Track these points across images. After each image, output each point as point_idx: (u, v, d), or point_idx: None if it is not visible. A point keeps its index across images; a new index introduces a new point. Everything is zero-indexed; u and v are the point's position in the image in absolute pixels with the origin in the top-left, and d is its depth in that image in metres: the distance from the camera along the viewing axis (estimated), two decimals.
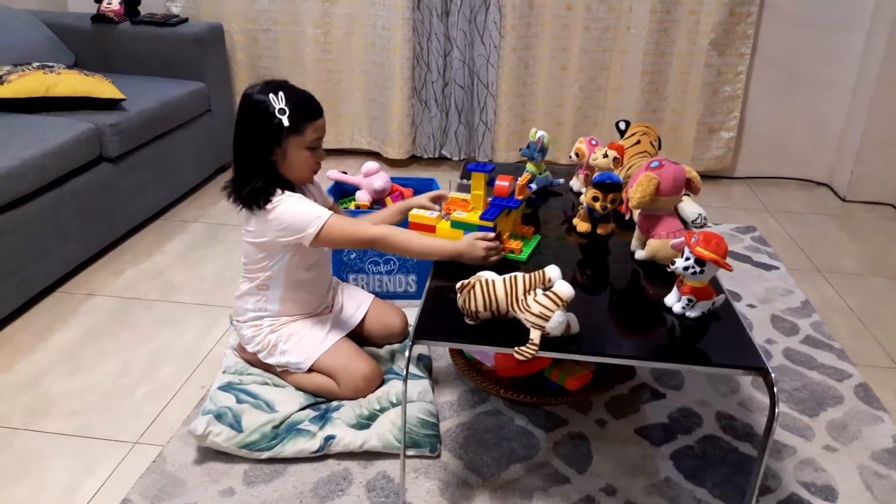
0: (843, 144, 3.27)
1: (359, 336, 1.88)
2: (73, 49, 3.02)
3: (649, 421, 1.75)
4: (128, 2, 3.07)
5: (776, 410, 1.22)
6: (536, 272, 1.36)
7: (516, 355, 1.30)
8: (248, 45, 3.37)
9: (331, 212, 1.62)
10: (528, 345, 1.29)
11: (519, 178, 1.75)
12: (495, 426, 1.71)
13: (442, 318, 1.41)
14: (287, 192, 1.62)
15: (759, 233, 2.84)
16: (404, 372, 1.29)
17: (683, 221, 1.87)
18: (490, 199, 1.72)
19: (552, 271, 1.35)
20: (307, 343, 1.73)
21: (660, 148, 2.14)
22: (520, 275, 1.37)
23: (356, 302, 1.93)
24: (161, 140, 2.74)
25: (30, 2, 3.23)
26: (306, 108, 1.62)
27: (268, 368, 1.78)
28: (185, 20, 3.14)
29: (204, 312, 2.16)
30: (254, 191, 1.60)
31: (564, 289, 1.31)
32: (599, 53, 3.23)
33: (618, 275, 1.64)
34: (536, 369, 1.79)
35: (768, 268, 2.55)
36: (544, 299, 1.31)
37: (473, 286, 1.37)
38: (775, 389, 1.23)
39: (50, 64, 2.55)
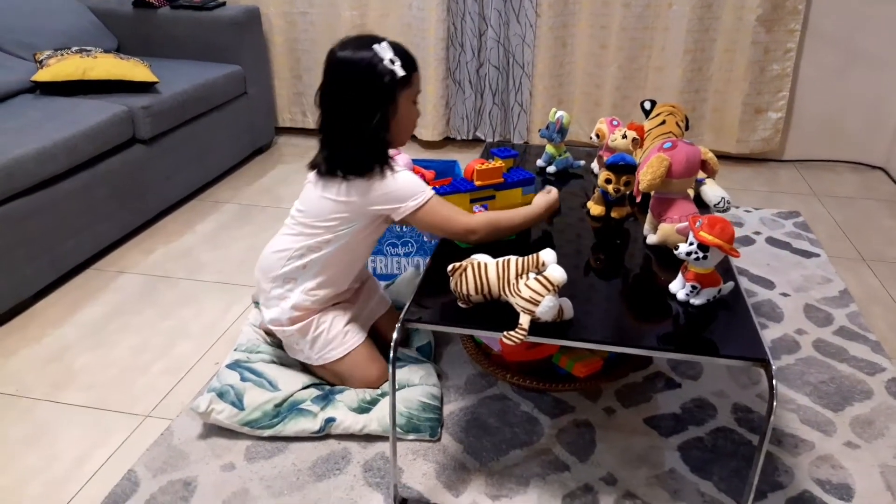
0: None
1: (374, 329, 1.83)
2: (115, 34, 3.11)
3: (660, 411, 1.69)
4: None
5: (773, 404, 1.16)
6: (530, 255, 1.32)
7: (504, 340, 1.27)
8: (286, 29, 3.40)
9: (434, 192, 1.53)
10: (516, 329, 1.26)
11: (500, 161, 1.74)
12: (500, 411, 1.69)
13: (435, 302, 1.39)
14: (388, 167, 1.51)
15: (802, 218, 2.71)
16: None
17: (705, 205, 1.79)
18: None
19: (546, 255, 1.31)
20: (321, 343, 1.67)
21: (687, 128, 2.05)
22: (513, 258, 1.34)
23: (377, 299, 1.86)
24: (196, 122, 2.79)
25: None
26: (409, 57, 1.51)
27: (279, 345, 1.80)
28: (223, 4, 3.18)
29: (226, 291, 2.20)
30: (364, 159, 1.49)
31: (556, 273, 1.27)
32: (640, 31, 3.12)
33: (627, 260, 1.59)
34: (545, 355, 1.76)
35: (808, 255, 2.43)
36: (535, 283, 1.27)
37: (465, 269, 1.34)
38: (774, 382, 1.17)
39: (87, 48, 2.63)
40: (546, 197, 1.61)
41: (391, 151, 1.60)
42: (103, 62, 2.53)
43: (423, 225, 1.56)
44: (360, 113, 1.47)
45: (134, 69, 2.56)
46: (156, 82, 2.59)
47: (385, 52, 1.45)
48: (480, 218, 1.54)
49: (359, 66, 1.44)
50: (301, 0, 3.34)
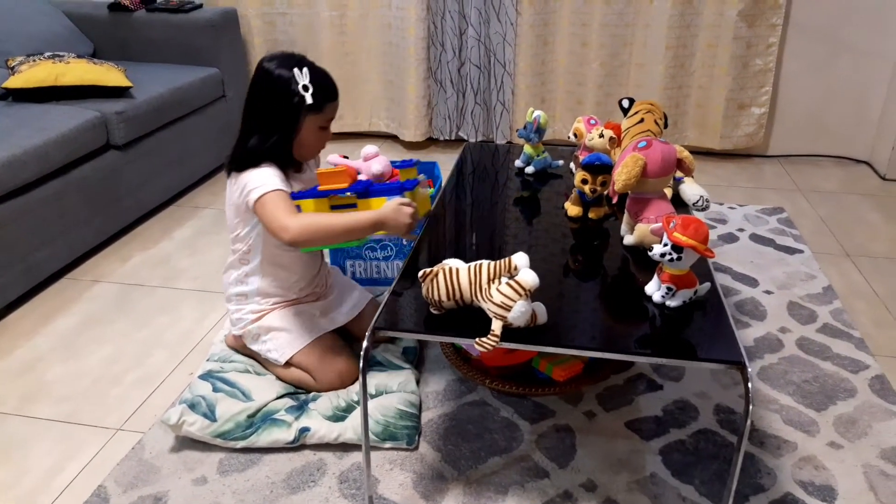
0: (884, 119, 3.07)
1: (349, 332, 1.84)
2: (91, 38, 3.07)
3: (642, 414, 1.67)
4: None
5: (749, 408, 1.14)
6: (502, 260, 1.29)
7: (477, 346, 1.24)
8: (265, 30, 3.36)
9: (283, 189, 1.52)
10: (489, 336, 1.24)
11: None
12: (479, 417, 1.66)
13: (407, 308, 1.37)
14: (268, 164, 1.55)
15: (786, 214, 2.69)
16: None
17: (685, 204, 1.77)
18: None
19: (519, 259, 1.28)
20: (285, 338, 1.70)
21: (666, 126, 2.03)
22: (485, 262, 1.31)
23: (351, 301, 1.86)
24: (172, 126, 2.76)
25: None
26: (328, 87, 1.58)
27: (252, 355, 1.77)
28: (200, 6, 3.14)
29: (203, 299, 2.16)
30: (250, 161, 1.55)
31: (528, 277, 1.24)
32: (621, 28, 3.10)
33: (603, 261, 1.57)
34: (524, 359, 1.73)
35: (791, 251, 2.41)
36: (506, 288, 1.25)
37: (436, 274, 1.31)
38: (750, 385, 1.15)
39: (60, 53, 2.59)
40: (394, 208, 1.50)
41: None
42: (76, 68, 2.49)
43: (260, 218, 1.55)
44: (264, 122, 1.56)
45: (107, 74, 2.52)
46: (130, 87, 2.55)
47: (301, 77, 1.53)
48: (298, 219, 1.49)
49: (275, 81, 1.53)
50: (280, 1, 3.30)
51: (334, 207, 1.56)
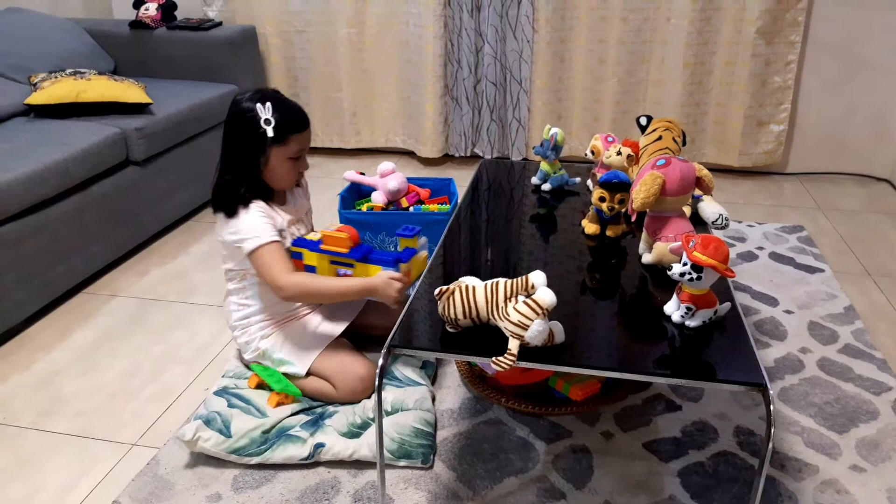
0: None
1: (359, 329, 1.85)
2: (112, 55, 3.11)
3: (660, 435, 1.65)
4: (164, 8, 3.14)
5: (771, 431, 1.12)
6: (520, 278, 1.28)
7: (493, 365, 1.23)
8: (283, 47, 3.39)
9: (277, 240, 1.61)
10: (505, 355, 1.22)
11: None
12: (494, 436, 1.64)
13: (422, 326, 1.36)
14: (256, 203, 1.63)
15: (806, 233, 2.66)
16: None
17: (703, 222, 1.76)
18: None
19: (536, 277, 1.27)
20: (300, 348, 1.71)
21: (684, 144, 2.01)
22: (502, 280, 1.30)
23: (350, 305, 1.87)
24: (191, 142, 2.78)
25: (76, 10, 3.34)
26: (292, 120, 1.63)
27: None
28: (220, 24, 3.18)
29: (219, 314, 2.17)
30: (233, 198, 1.62)
31: (545, 296, 1.23)
32: (638, 45, 3.09)
33: (621, 280, 1.55)
34: (540, 378, 1.72)
35: (812, 270, 2.38)
36: (524, 307, 1.24)
37: (453, 292, 1.30)
38: (772, 408, 1.13)
39: (82, 70, 2.63)
40: (385, 280, 1.58)
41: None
42: (97, 84, 2.52)
43: (254, 267, 1.63)
44: (234, 155, 1.64)
45: (128, 91, 2.55)
46: (150, 103, 2.58)
47: (263, 112, 1.59)
48: (293, 278, 1.59)
49: (241, 115, 1.60)
50: (298, 19, 3.33)
51: (333, 263, 1.69)
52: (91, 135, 2.32)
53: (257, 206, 1.63)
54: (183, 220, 2.83)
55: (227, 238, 1.64)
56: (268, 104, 1.59)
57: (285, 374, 1.72)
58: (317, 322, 1.78)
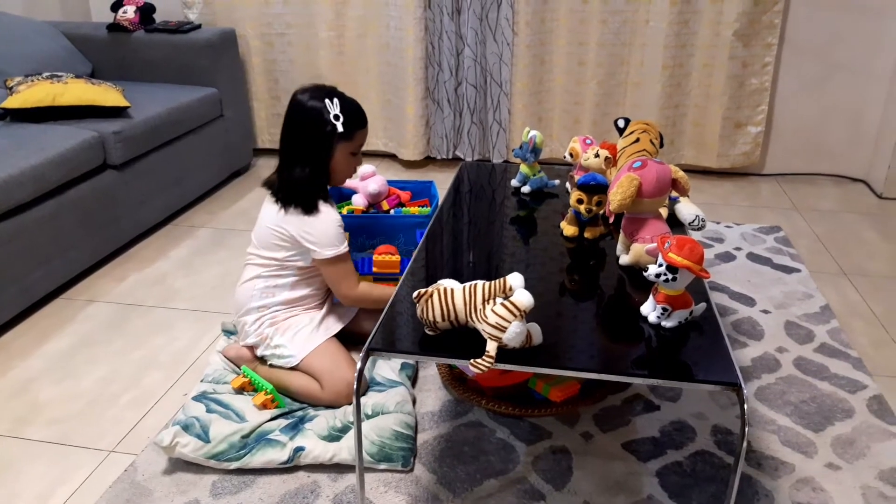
0: (881, 137, 3.08)
1: (353, 333, 1.87)
2: (90, 58, 3.08)
3: (639, 435, 1.66)
4: (143, 11, 3.12)
5: (745, 430, 1.13)
6: (498, 280, 1.29)
7: (471, 367, 1.23)
8: (263, 50, 3.38)
9: (348, 249, 1.72)
10: (484, 357, 1.23)
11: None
12: (475, 438, 1.65)
13: (401, 329, 1.36)
14: (330, 208, 1.70)
15: (783, 233, 2.69)
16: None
17: (680, 224, 1.77)
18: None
19: (514, 279, 1.28)
20: (301, 338, 1.74)
21: (662, 146, 2.03)
22: (480, 283, 1.30)
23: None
24: (170, 146, 2.76)
25: (53, 12, 3.31)
26: (357, 116, 1.71)
27: (255, 369, 1.78)
28: (199, 27, 3.16)
29: (198, 319, 2.16)
30: (310, 194, 1.68)
31: (523, 298, 1.24)
32: (618, 48, 3.12)
33: (599, 281, 1.56)
34: (520, 380, 1.72)
35: (789, 270, 2.41)
36: (501, 309, 1.24)
37: (431, 295, 1.31)
38: (746, 407, 1.14)
39: (59, 74, 2.60)
40: None
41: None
42: (74, 88, 2.50)
43: (322, 270, 1.74)
44: (301, 150, 1.69)
45: (105, 94, 2.53)
46: (128, 107, 2.56)
47: (332, 107, 1.66)
48: (362, 289, 1.74)
49: (308, 112, 1.67)
50: (278, 21, 3.32)
51: (377, 278, 1.99)
52: (68, 139, 2.30)
53: (333, 212, 1.70)
54: (162, 224, 2.81)
55: (301, 236, 1.68)
56: (335, 100, 1.66)
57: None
58: (319, 317, 1.80)
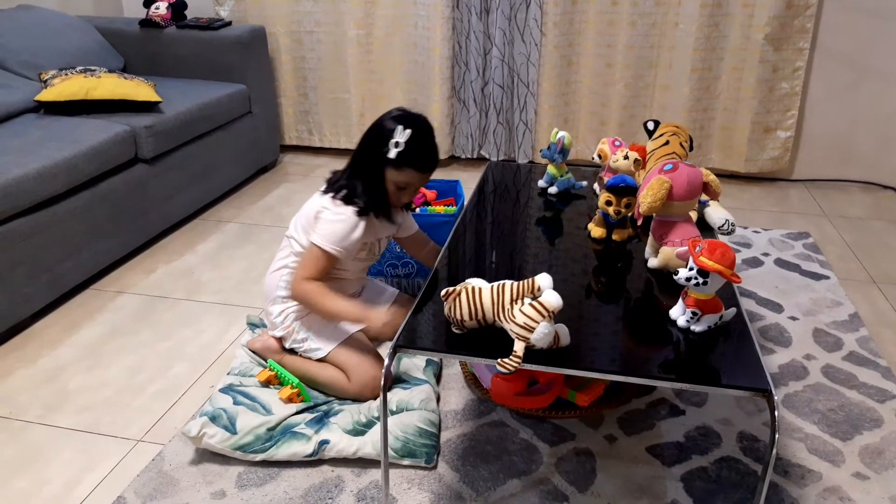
0: None
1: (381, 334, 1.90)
2: (122, 53, 3.12)
3: (663, 439, 1.65)
4: (175, 7, 3.15)
5: (775, 437, 1.12)
6: (526, 280, 1.29)
7: (499, 367, 1.23)
8: (292, 47, 3.40)
9: (337, 249, 1.67)
10: (511, 357, 1.23)
11: None
12: (498, 438, 1.65)
13: (428, 327, 1.36)
14: (352, 209, 1.69)
15: (812, 239, 2.66)
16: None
17: (709, 228, 1.76)
18: None
19: (542, 280, 1.28)
20: (328, 331, 1.77)
21: (692, 149, 2.02)
22: (508, 283, 1.31)
23: (381, 297, 1.98)
24: (199, 141, 2.79)
25: (87, 8, 3.36)
26: (417, 156, 1.69)
27: (281, 361, 1.80)
28: (229, 23, 3.19)
29: (224, 312, 2.18)
30: (350, 195, 1.70)
31: (551, 299, 1.24)
32: (646, 50, 3.10)
33: (626, 284, 1.55)
34: (535, 406, 1.67)
35: (818, 277, 2.38)
36: (529, 309, 1.24)
37: (459, 294, 1.31)
38: (777, 413, 1.13)
39: (92, 68, 2.64)
40: (373, 312, 1.69)
41: None
42: (107, 82, 2.53)
43: (302, 250, 1.75)
44: (359, 159, 1.74)
45: (137, 89, 2.56)
46: (159, 102, 2.59)
47: (398, 135, 1.65)
48: (305, 287, 1.68)
49: (380, 128, 1.69)
50: (307, 19, 3.34)
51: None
52: (100, 132, 2.33)
53: (358, 223, 1.69)
54: (190, 218, 2.85)
55: (319, 212, 1.70)
56: (407, 131, 1.65)
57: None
58: None
